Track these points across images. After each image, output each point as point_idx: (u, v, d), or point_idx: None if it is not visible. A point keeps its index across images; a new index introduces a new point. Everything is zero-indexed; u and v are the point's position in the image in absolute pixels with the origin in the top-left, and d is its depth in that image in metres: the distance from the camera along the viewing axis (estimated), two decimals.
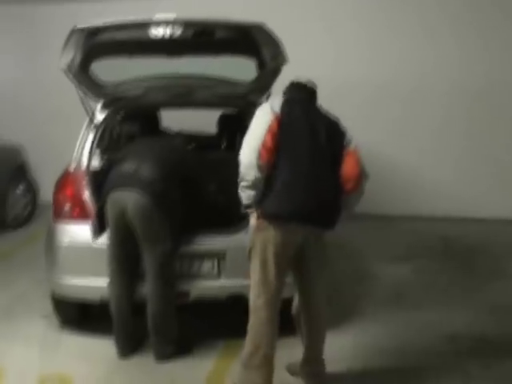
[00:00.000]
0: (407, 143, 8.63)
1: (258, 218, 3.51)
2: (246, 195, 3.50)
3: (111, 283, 4.27)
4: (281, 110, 3.49)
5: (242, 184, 3.47)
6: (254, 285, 3.57)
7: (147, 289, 4.24)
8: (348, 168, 3.54)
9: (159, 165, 4.27)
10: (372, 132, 8.28)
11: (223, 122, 6.21)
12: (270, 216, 3.47)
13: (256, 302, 3.55)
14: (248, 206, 3.55)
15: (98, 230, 4.37)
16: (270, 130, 3.42)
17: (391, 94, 8.53)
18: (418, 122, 8.59)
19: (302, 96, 3.68)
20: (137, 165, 4.26)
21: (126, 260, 4.27)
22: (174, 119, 5.98)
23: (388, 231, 7.85)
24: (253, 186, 3.43)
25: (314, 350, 3.86)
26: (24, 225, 8.06)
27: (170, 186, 4.25)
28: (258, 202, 3.49)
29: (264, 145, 3.39)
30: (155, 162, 4.28)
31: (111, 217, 4.22)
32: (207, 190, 4.70)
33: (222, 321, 4.88)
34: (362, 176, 3.58)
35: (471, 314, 5.11)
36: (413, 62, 8.42)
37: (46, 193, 7.63)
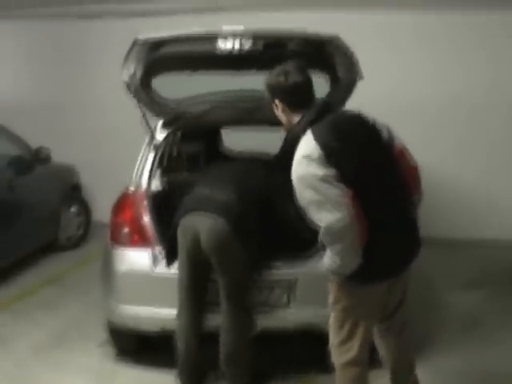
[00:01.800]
0: (476, 163, 8.27)
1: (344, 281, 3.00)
2: (343, 266, 2.89)
3: (180, 314, 4.01)
4: (329, 161, 2.83)
5: (340, 260, 2.86)
6: (340, 340, 3.12)
7: (222, 318, 3.96)
8: (407, 171, 3.10)
9: (234, 187, 4.01)
10: (437, 152, 7.98)
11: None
12: (362, 282, 2.98)
13: (343, 357, 3.12)
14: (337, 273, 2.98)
15: (170, 258, 4.10)
16: (347, 195, 2.81)
17: (454, 113, 8.18)
18: (485, 140, 8.20)
19: (323, 113, 3.08)
20: (210, 188, 4.04)
21: (196, 290, 4.01)
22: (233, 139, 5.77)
23: (459, 256, 7.45)
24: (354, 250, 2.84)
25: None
26: (78, 246, 7.96)
27: (247, 208, 3.97)
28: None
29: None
30: (231, 185, 4.04)
31: (182, 244, 3.95)
32: (284, 214, 4.32)
33: (292, 352, 4.60)
34: (419, 172, 3.19)
35: None
36: (476, 81, 8.09)
37: (99, 213, 7.68)
